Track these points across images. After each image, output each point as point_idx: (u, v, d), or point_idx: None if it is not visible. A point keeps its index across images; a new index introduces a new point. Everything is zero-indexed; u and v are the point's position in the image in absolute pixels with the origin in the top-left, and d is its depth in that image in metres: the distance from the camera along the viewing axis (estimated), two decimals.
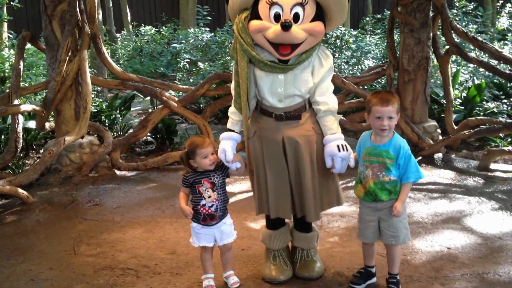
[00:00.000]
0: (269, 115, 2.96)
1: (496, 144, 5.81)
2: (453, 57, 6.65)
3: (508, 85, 6.89)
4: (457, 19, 8.74)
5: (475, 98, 6.37)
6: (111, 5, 13.44)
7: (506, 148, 5.33)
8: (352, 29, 10.11)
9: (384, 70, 5.88)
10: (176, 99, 5.97)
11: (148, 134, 6.26)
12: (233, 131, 3.02)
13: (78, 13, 5.25)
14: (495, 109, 6.38)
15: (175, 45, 10.12)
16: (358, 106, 5.95)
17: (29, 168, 5.04)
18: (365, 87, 6.65)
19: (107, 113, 6.82)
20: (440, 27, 5.72)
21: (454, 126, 5.76)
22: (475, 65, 6.38)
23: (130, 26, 14.00)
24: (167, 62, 10.07)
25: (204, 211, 2.94)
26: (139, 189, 5.02)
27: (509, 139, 5.83)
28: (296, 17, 2.77)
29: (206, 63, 8.72)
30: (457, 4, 9.25)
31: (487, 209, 4.18)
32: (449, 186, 4.78)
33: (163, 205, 4.55)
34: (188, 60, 9.30)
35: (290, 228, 3.21)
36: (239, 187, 4.77)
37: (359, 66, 8.20)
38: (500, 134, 5.63)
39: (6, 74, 7.55)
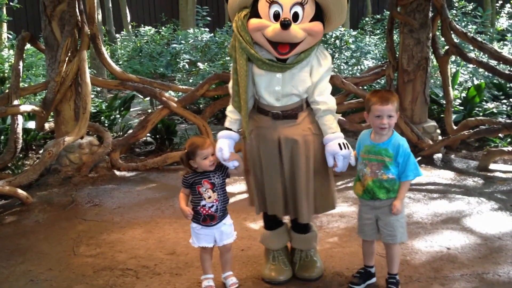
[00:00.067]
0: (266, 114, 2.96)
1: (496, 144, 5.82)
2: (453, 58, 6.65)
3: (508, 85, 6.90)
4: (456, 19, 8.75)
5: (475, 99, 6.37)
6: (110, 5, 13.44)
7: (505, 149, 5.34)
8: (351, 30, 10.10)
9: (383, 71, 5.88)
10: (176, 99, 5.96)
11: (148, 134, 6.26)
12: (231, 129, 3.02)
13: (78, 13, 5.25)
14: (494, 110, 6.38)
15: (174, 45, 10.12)
16: (357, 106, 5.95)
17: (29, 168, 5.04)
18: (365, 87, 6.65)
19: (106, 114, 6.82)
20: (439, 28, 5.72)
21: (454, 126, 5.76)
22: (475, 66, 6.38)
23: (130, 27, 14.00)
24: (166, 62, 10.08)
25: (204, 211, 2.94)
26: (138, 189, 5.02)
27: (509, 140, 5.83)
28: (295, 17, 2.78)
29: (206, 64, 8.72)
30: (456, 4, 9.25)
31: (486, 210, 4.18)
32: (449, 187, 4.78)
33: (163, 205, 4.55)
34: (188, 61, 9.30)
35: (288, 228, 3.21)
36: (239, 188, 4.77)
37: (359, 67, 8.20)
38: (500, 135, 5.63)
39: (6, 74, 7.56)
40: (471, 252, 3.46)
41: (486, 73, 7.08)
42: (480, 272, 3.18)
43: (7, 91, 5.31)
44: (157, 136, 6.46)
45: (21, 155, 5.85)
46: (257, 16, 2.81)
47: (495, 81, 7.08)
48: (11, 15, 10.69)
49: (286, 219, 3.21)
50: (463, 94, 6.69)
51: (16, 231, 4.11)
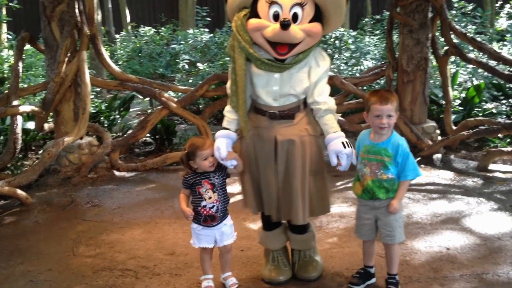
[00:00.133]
0: (263, 113, 2.96)
1: (495, 144, 5.82)
2: (452, 58, 6.65)
3: (507, 86, 6.89)
4: (456, 20, 8.74)
5: (474, 99, 6.38)
6: (110, 6, 13.45)
7: (505, 149, 5.34)
8: (351, 30, 10.10)
9: (383, 71, 5.88)
10: (175, 100, 5.97)
11: (147, 135, 6.26)
12: (228, 129, 3.02)
13: (77, 14, 5.25)
14: (494, 110, 6.38)
15: (174, 46, 10.12)
16: (357, 107, 5.95)
17: (28, 169, 5.04)
18: (364, 88, 6.65)
19: (106, 114, 6.82)
20: (439, 28, 5.72)
21: (453, 126, 5.76)
22: (474, 66, 6.38)
23: (129, 27, 14.01)
24: (166, 63, 10.08)
25: (205, 212, 2.94)
26: (138, 190, 5.02)
27: (508, 140, 5.84)
28: (295, 17, 2.78)
29: (205, 64, 8.71)
30: (456, 5, 9.24)
31: (486, 210, 4.18)
32: (448, 187, 4.78)
33: (162, 206, 4.55)
34: (187, 61, 9.29)
35: (286, 228, 3.21)
36: (238, 188, 4.73)
37: (358, 67, 8.19)
38: (499, 135, 5.63)
39: (5, 75, 7.56)
40: (470, 252, 3.46)
41: (485, 73, 7.07)
42: (480, 272, 3.18)
43: (6, 91, 5.32)
44: (157, 136, 6.46)
45: (20, 156, 5.85)
46: (257, 16, 2.81)
47: (494, 81, 7.08)
48: (11, 16, 10.69)
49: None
50: (463, 95, 6.69)
51: (15, 232, 4.11)
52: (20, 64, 5.32)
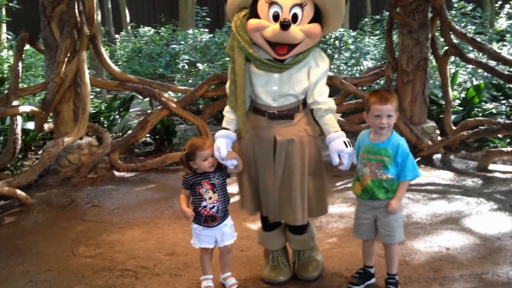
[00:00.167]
0: (262, 114, 2.96)
1: (495, 145, 5.82)
2: (452, 58, 6.65)
3: (507, 86, 6.90)
4: (455, 20, 8.75)
5: (474, 99, 6.38)
6: (110, 6, 13.46)
7: (504, 149, 5.34)
8: (351, 30, 10.10)
9: (383, 71, 5.88)
10: (175, 100, 5.97)
11: (147, 135, 6.26)
12: (228, 129, 3.02)
13: (77, 14, 5.25)
14: (493, 110, 6.38)
15: (174, 46, 10.12)
16: (357, 107, 5.95)
17: (28, 169, 5.04)
18: (364, 88, 6.65)
19: (106, 114, 6.82)
20: (438, 28, 5.72)
21: (453, 127, 5.76)
22: (474, 66, 6.38)
23: (129, 27, 14.01)
24: (166, 63, 10.08)
25: (205, 212, 2.94)
26: (138, 190, 5.02)
27: (508, 140, 5.84)
28: (294, 18, 2.78)
29: (205, 64, 8.72)
30: (455, 5, 9.25)
31: (485, 210, 4.18)
32: (448, 187, 4.78)
33: (162, 206, 4.55)
34: (187, 61, 9.30)
35: (285, 229, 3.21)
36: (238, 188, 4.76)
37: (358, 67, 8.20)
38: (499, 135, 5.63)
39: (5, 75, 7.55)
40: (470, 252, 3.46)
41: (485, 73, 7.07)
42: (479, 272, 3.18)
43: (6, 91, 5.31)
44: (157, 136, 6.46)
45: (20, 156, 5.85)
46: (256, 16, 2.81)
47: (494, 81, 7.09)
48: (11, 16, 10.69)
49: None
50: (462, 95, 6.70)
51: (15, 232, 4.11)
52: (20, 64, 5.32)
